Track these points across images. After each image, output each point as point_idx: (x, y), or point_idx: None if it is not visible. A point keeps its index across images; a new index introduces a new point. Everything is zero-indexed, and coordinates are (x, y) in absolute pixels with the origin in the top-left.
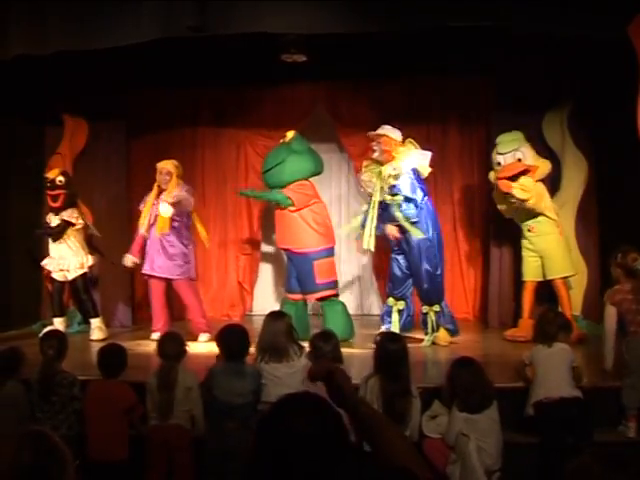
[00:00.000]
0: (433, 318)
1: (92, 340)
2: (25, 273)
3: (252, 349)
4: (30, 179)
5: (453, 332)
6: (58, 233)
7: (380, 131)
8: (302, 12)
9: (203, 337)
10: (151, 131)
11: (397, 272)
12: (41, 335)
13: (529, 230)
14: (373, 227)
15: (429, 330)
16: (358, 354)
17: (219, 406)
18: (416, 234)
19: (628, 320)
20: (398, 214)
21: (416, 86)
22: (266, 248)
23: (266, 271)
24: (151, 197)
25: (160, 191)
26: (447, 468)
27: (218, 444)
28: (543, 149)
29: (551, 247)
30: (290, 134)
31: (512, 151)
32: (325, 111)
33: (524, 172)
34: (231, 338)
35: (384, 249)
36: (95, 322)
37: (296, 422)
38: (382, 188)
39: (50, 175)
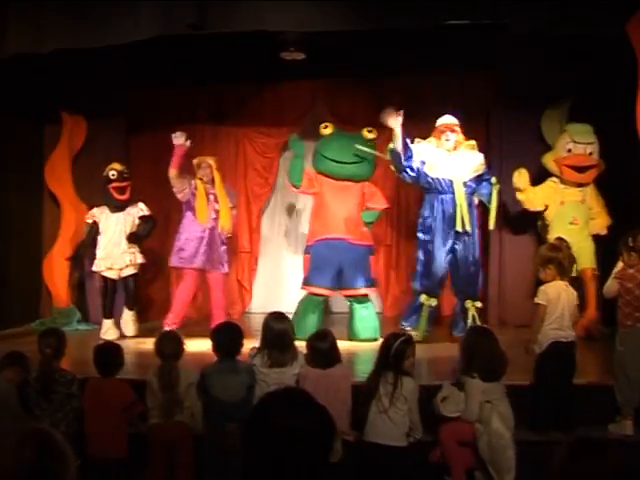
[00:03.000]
0: (475, 315)
1: (126, 337)
2: (24, 271)
3: (246, 348)
4: (29, 178)
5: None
6: (151, 230)
7: (450, 120)
8: (301, 10)
9: None
10: (150, 129)
11: (437, 264)
12: (40, 333)
13: (572, 223)
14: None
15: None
16: (358, 352)
17: (216, 405)
18: (493, 222)
19: (625, 301)
20: (494, 199)
21: (415, 84)
22: (265, 246)
23: (265, 269)
24: (201, 192)
25: (206, 184)
26: (477, 445)
27: (217, 443)
28: (542, 146)
29: (587, 240)
30: (374, 133)
31: (588, 144)
32: (324, 109)
33: (592, 167)
34: (224, 336)
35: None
36: (130, 314)
37: (283, 416)
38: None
39: (117, 167)
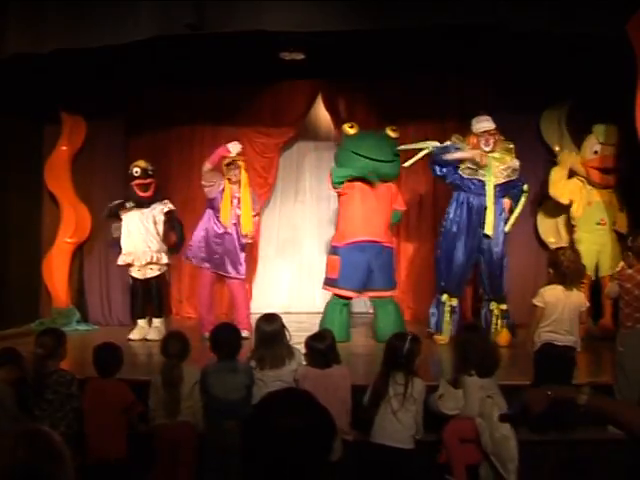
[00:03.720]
0: (499, 315)
1: (149, 340)
2: (24, 271)
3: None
4: (28, 178)
5: (514, 332)
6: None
7: (491, 125)
8: (300, 10)
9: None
10: (149, 129)
11: (459, 264)
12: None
13: (599, 223)
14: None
15: (496, 329)
16: (357, 353)
17: (216, 405)
18: (510, 225)
19: (625, 301)
20: (521, 205)
21: (414, 84)
22: (264, 247)
23: (265, 270)
24: (227, 193)
25: (232, 185)
26: (481, 439)
27: (218, 442)
28: (541, 147)
29: (612, 243)
30: (397, 132)
31: (613, 145)
32: (323, 109)
33: (615, 170)
34: (223, 336)
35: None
36: (156, 322)
37: (283, 416)
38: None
39: (141, 164)
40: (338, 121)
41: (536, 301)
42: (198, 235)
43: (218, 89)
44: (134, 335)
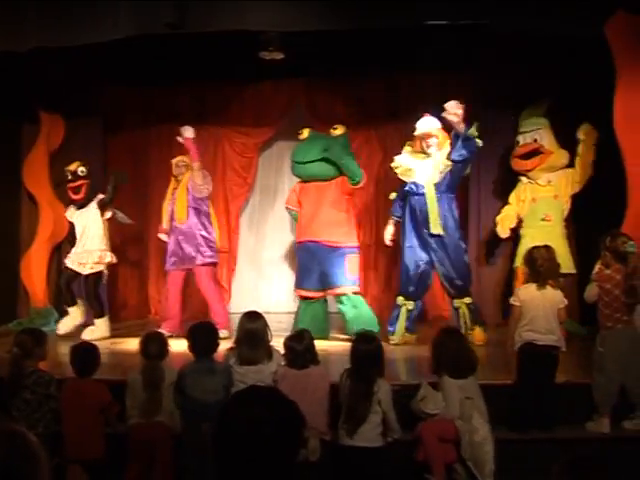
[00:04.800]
0: (466, 313)
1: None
2: (1, 271)
3: (222, 348)
4: (6, 177)
5: (485, 328)
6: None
7: (438, 125)
8: (280, 10)
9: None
10: (128, 128)
11: (411, 267)
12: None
13: (544, 219)
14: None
15: (467, 326)
16: (335, 353)
17: (193, 406)
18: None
19: (604, 303)
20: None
21: (395, 84)
22: (244, 246)
23: (244, 270)
24: (169, 192)
25: (177, 184)
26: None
27: (195, 443)
28: None
29: (558, 239)
30: (340, 129)
31: (531, 131)
32: (303, 109)
33: (536, 152)
34: (200, 335)
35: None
36: (99, 322)
37: (248, 410)
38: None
39: (71, 167)
40: (318, 121)
41: (512, 300)
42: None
43: (197, 88)
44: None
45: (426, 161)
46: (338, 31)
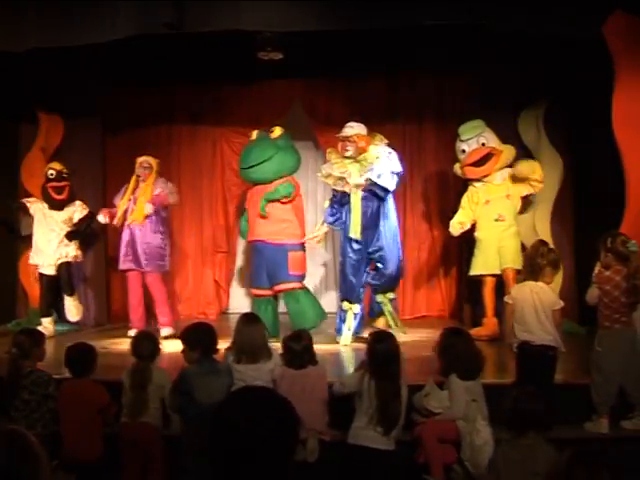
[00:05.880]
0: (390, 307)
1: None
2: (0, 272)
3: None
4: (5, 177)
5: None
6: (88, 227)
7: (349, 131)
8: (278, 10)
9: (165, 331)
10: (127, 128)
11: (354, 272)
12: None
13: (497, 219)
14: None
15: (391, 321)
16: (329, 352)
17: (198, 408)
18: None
19: (604, 304)
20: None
21: (392, 84)
22: (243, 246)
23: (243, 269)
24: (129, 190)
25: (137, 183)
26: (461, 442)
27: (197, 445)
28: (518, 147)
29: (512, 238)
30: (278, 130)
31: (475, 136)
32: (301, 109)
33: (488, 156)
34: (204, 336)
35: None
36: (70, 300)
37: (243, 409)
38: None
39: (55, 167)
40: (316, 121)
41: (506, 298)
42: (119, 249)
43: (196, 89)
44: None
45: (352, 165)
46: (336, 31)
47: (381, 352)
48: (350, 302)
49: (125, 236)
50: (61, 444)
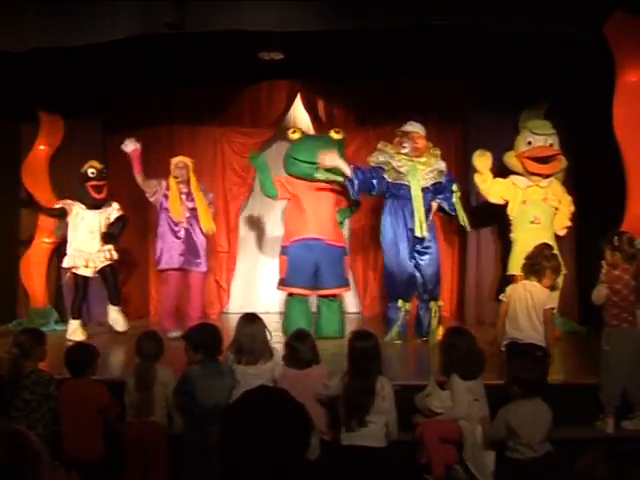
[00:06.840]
0: (439, 314)
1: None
2: (1, 272)
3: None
4: (5, 178)
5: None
6: (123, 229)
7: (410, 128)
8: (280, 10)
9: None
10: (128, 128)
11: (405, 269)
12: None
13: (533, 222)
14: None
15: (434, 326)
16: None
17: (202, 410)
18: (466, 223)
19: (612, 303)
20: (459, 206)
21: (393, 85)
22: (243, 246)
23: (243, 270)
24: (174, 190)
25: (179, 184)
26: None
27: (200, 445)
28: None
29: (550, 242)
30: (341, 133)
31: (548, 135)
32: (303, 109)
33: (554, 157)
34: (208, 337)
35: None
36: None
37: (257, 412)
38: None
39: (96, 165)
40: (317, 121)
41: (501, 296)
42: (160, 243)
43: (197, 89)
44: (77, 337)
45: (412, 163)
46: (337, 31)
47: (359, 350)
48: (404, 300)
49: (177, 234)
50: (62, 444)
